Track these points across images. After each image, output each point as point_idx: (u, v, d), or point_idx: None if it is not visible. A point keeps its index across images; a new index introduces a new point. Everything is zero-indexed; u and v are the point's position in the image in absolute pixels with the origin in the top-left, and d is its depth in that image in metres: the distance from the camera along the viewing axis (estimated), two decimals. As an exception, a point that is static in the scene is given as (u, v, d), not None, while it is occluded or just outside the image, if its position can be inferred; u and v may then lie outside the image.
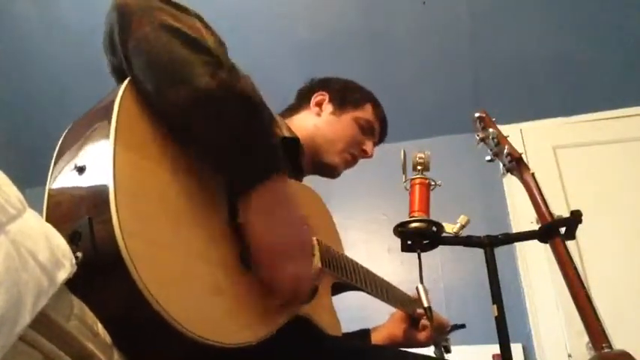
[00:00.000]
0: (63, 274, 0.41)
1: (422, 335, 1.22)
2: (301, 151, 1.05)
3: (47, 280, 0.39)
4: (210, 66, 0.64)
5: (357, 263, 1.10)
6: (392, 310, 1.26)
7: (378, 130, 1.21)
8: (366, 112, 1.18)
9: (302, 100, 1.21)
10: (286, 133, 1.05)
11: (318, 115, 1.16)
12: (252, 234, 0.66)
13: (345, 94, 1.19)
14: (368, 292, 1.11)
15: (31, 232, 0.39)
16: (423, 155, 1.12)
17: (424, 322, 1.20)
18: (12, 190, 0.40)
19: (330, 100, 1.18)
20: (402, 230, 1.06)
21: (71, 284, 0.44)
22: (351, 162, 1.18)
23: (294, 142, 1.03)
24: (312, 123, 1.15)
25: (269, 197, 0.66)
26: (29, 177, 2.65)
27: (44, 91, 2.71)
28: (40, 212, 0.45)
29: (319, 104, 1.18)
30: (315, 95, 1.18)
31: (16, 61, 2.63)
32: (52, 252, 0.41)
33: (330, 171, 1.16)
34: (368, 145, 1.18)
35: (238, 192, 0.67)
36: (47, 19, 2.48)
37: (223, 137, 0.64)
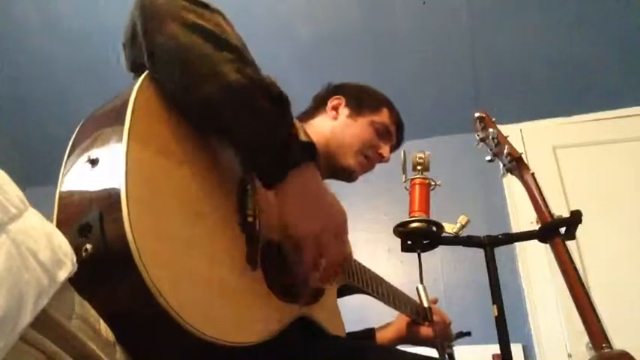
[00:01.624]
0: (64, 273, 0.41)
1: (427, 332, 1.22)
2: (317, 155, 1.05)
3: (48, 279, 0.39)
4: (236, 63, 0.65)
5: (363, 266, 1.10)
6: (393, 311, 1.26)
7: (394, 134, 1.21)
8: (383, 116, 1.18)
9: (318, 105, 1.21)
10: (303, 137, 1.05)
11: (335, 118, 1.16)
12: (294, 221, 0.69)
13: (361, 99, 1.19)
14: (373, 296, 1.11)
15: (32, 231, 0.39)
16: (423, 155, 1.12)
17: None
18: (13, 189, 0.40)
19: (347, 104, 1.18)
20: (402, 230, 1.06)
21: (78, 278, 0.44)
22: (368, 165, 1.17)
23: (309, 145, 1.03)
24: (329, 127, 1.15)
25: (301, 185, 0.69)
26: (30, 176, 2.66)
27: (44, 90, 2.71)
28: (42, 211, 0.45)
29: (335, 108, 1.18)
30: (331, 99, 1.19)
31: (16, 61, 2.63)
32: (53, 251, 0.41)
33: (346, 174, 1.16)
34: (384, 149, 1.18)
35: (269, 183, 0.69)
36: (47, 19, 2.48)
37: (251, 132, 0.66)
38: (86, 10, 2.39)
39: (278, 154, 0.68)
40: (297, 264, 0.71)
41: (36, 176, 2.41)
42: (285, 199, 0.69)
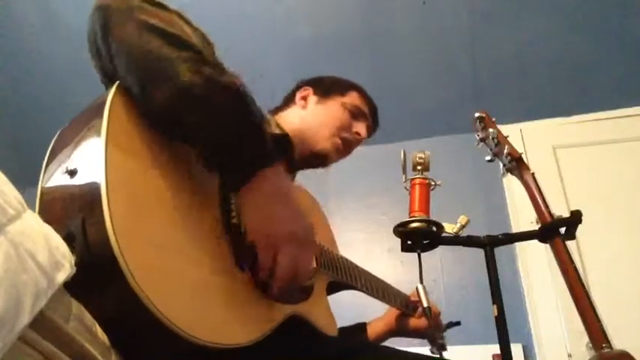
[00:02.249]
0: (62, 275, 0.41)
1: (416, 324, 1.23)
2: (291, 146, 1.04)
3: (46, 281, 0.39)
4: (192, 62, 0.63)
5: (351, 262, 1.10)
6: (387, 307, 1.27)
7: (368, 115, 1.18)
8: (353, 98, 1.16)
9: (288, 99, 1.20)
10: (276, 130, 1.04)
11: (304, 107, 1.15)
12: (250, 224, 0.67)
13: (329, 85, 1.18)
14: (363, 291, 1.12)
15: (31, 232, 0.39)
16: (423, 155, 1.11)
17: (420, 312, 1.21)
18: (11, 190, 0.40)
19: (315, 93, 1.17)
20: (402, 230, 1.06)
21: (69, 286, 0.44)
22: (344, 149, 1.14)
23: (283, 138, 1.02)
24: (299, 115, 1.14)
25: (264, 187, 0.66)
26: (29, 177, 2.65)
27: (44, 90, 2.71)
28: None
29: (304, 98, 1.17)
30: (299, 92, 1.18)
31: (16, 60, 2.63)
32: (52, 253, 0.41)
33: (320, 159, 1.12)
34: (359, 127, 1.15)
35: (233, 185, 0.67)
36: (47, 18, 2.48)
37: (212, 133, 0.64)
38: (86, 10, 2.39)
39: (242, 154, 0.65)
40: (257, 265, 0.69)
41: (35, 177, 2.40)
42: (247, 200, 0.67)
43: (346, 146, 1.14)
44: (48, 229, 0.43)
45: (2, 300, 0.33)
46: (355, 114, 1.15)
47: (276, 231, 0.67)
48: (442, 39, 2.43)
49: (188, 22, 0.73)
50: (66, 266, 0.42)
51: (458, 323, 1.31)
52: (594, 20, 2.29)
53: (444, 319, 1.30)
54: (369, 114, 1.19)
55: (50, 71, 2.65)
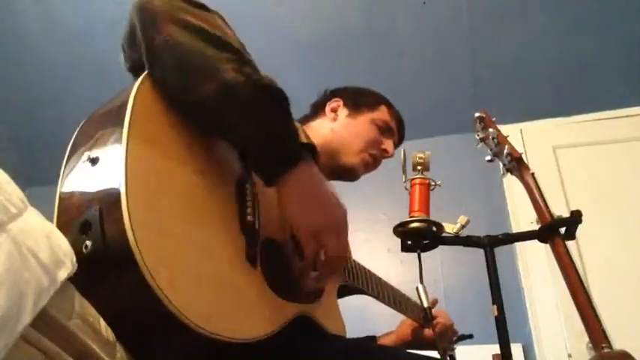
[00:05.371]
0: (64, 273, 0.41)
1: (431, 336, 1.22)
2: (317, 156, 1.05)
3: (48, 279, 0.39)
4: (234, 62, 0.66)
5: (364, 267, 1.10)
6: (394, 311, 1.26)
7: (395, 130, 1.22)
8: (382, 113, 1.19)
9: (317, 109, 1.22)
10: (303, 139, 1.06)
11: (334, 119, 1.17)
12: (290, 217, 0.70)
13: (358, 98, 1.20)
14: (374, 297, 1.11)
15: (33, 230, 0.39)
16: (423, 155, 1.12)
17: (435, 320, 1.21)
18: (13, 188, 0.40)
19: (345, 105, 1.19)
20: (402, 230, 1.06)
21: (79, 276, 0.44)
22: (372, 163, 1.18)
23: (310, 147, 1.03)
24: (329, 127, 1.16)
25: (301, 181, 0.70)
26: (30, 176, 2.66)
27: (44, 90, 2.71)
28: (42, 211, 0.45)
29: (334, 110, 1.19)
30: (329, 103, 1.20)
31: (16, 60, 2.63)
32: (53, 251, 0.41)
33: (348, 173, 1.16)
34: (388, 144, 1.18)
35: (270, 179, 0.70)
36: (47, 18, 2.48)
37: (253, 128, 0.67)
38: (86, 10, 2.39)
39: (278, 151, 0.68)
40: (298, 260, 0.72)
41: (36, 176, 2.40)
42: (286, 195, 0.69)
43: (374, 161, 1.18)
44: (50, 227, 0.43)
45: (4, 298, 0.33)
46: (383, 130, 1.18)
47: (317, 223, 0.70)
48: (442, 39, 2.43)
49: (227, 25, 0.76)
50: (67, 264, 0.42)
51: (470, 336, 1.30)
52: (594, 20, 2.29)
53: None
54: (396, 128, 1.22)
55: (50, 71, 2.65)
